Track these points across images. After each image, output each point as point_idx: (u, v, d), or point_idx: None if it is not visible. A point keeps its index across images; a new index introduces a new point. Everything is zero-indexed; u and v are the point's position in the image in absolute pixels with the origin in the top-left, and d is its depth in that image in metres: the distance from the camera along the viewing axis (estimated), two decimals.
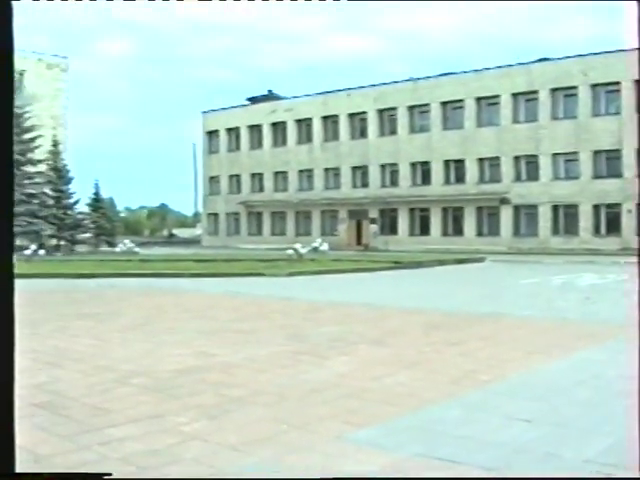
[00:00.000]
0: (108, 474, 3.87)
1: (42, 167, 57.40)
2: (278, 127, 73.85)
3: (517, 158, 59.58)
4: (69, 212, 59.14)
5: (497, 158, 59.97)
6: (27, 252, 42.08)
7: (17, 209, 52.93)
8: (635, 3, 3.55)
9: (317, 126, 70.81)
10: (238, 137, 77.47)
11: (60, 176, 59.25)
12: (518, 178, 59.41)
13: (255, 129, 75.81)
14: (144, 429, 7.24)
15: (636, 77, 43.15)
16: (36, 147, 56.76)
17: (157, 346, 12.53)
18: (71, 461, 6.23)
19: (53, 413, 7.86)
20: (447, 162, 62.29)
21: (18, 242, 50.54)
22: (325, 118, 70.29)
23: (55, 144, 59.94)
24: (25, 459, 6.28)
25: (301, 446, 6.78)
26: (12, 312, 3.31)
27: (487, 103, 61.06)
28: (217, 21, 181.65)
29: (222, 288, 24.57)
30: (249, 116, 76.01)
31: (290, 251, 40.96)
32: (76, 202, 60.72)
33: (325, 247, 46.00)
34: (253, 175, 75.84)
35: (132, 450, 6.57)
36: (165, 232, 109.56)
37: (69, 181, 60.21)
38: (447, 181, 62.52)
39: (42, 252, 45.38)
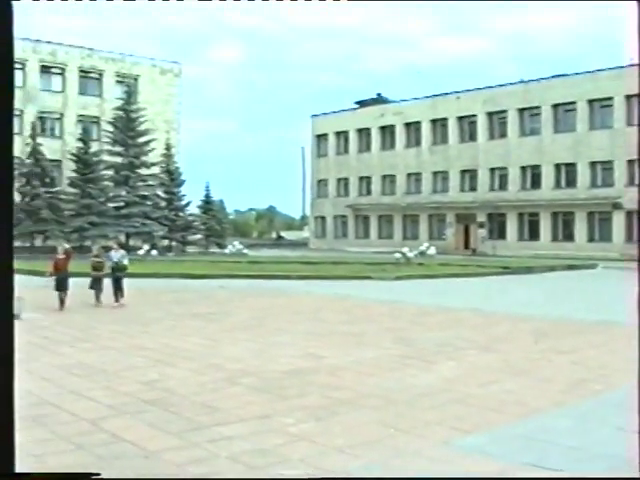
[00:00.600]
0: (96, 474, 3.94)
1: (155, 170, 58.68)
2: (386, 130, 73.64)
3: (631, 162, 57.54)
4: (180, 214, 60.30)
5: (610, 162, 58.21)
6: (140, 252, 43.26)
7: (130, 210, 54.47)
8: (635, 3, 3.50)
9: (426, 129, 70.28)
10: (347, 140, 77.60)
11: (172, 179, 60.51)
12: (631, 182, 57.61)
13: (364, 132, 75.81)
14: (252, 428, 7.34)
15: None
16: (150, 150, 58.08)
17: (266, 347, 12.68)
18: (180, 458, 6.36)
19: (163, 410, 8.04)
20: (558, 166, 60.84)
21: (132, 242, 51.96)
22: (434, 121, 69.72)
23: (168, 147, 61.27)
24: (136, 454, 6.47)
25: (408, 450, 6.76)
26: (12, 312, 3.34)
27: (600, 105, 59.36)
28: (325, 25, 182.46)
29: (330, 290, 24.66)
30: (358, 120, 76.03)
31: (398, 255, 40.81)
32: (187, 204, 61.91)
33: (432, 251, 45.64)
34: (361, 178, 75.83)
35: (240, 449, 6.67)
36: (273, 234, 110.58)
37: (181, 183, 61.43)
38: (557, 185, 61.09)
39: (154, 252, 46.51)
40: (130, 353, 11.79)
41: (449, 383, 9.71)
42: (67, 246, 20.62)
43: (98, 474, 3.85)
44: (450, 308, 19.67)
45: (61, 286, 18.21)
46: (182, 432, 7.13)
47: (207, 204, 64.72)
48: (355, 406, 8.40)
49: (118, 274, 19.31)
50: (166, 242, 58.74)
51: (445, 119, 69.10)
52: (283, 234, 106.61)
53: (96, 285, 19.19)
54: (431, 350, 12.51)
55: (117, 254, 19.75)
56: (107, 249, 20.43)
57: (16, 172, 54.86)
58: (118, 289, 19.12)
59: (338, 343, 13.29)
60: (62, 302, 18.00)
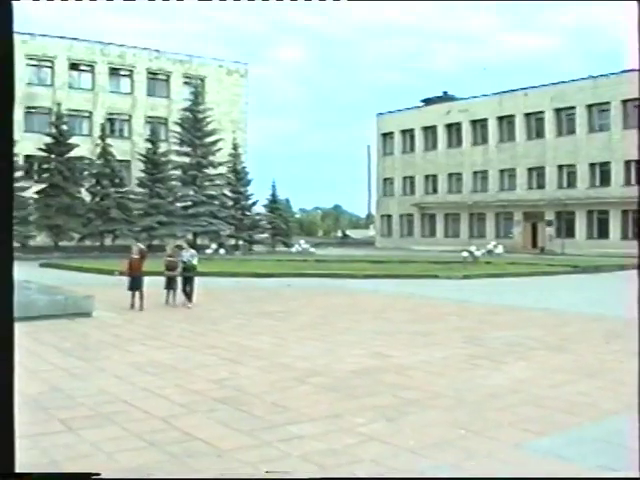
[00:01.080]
0: (97, 474, 3.93)
1: (222, 169, 59.20)
2: (453, 128, 73.11)
3: None
4: (247, 213, 60.76)
5: None
6: (208, 251, 43.68)
7: (198, 210, 55.03)
8: (635, 3, 3.59)
9: (492, 126, 69.58)
10: (412, 138, 77.27)
11: (239, 178, 61.00)
12: None
13: (429, 130, 75.39)
14: (323, 428, 7.33)
15: None
16: (217, 150, 58.61)
17: (334, 346, 12.67)
18: (253, 457, 6.38)
19: (234, 408, 8.08)
20: (628, 162, 59.54)
21: (199, 241, 52.45)
22: (500, 118, 68.95)
23: (235, 147, 61.78)
24: (208, 453, 6.51)
25: (480, 452, 6.67)
26: (12, 313, 3.34)
27: None
28: (389, 23, 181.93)
29: (396, 289, 24.57)
30: (424, 117, 75.64)
31: (465, 253, 40.47)
32: (254, 203, 62.35)
33: (500, 250, 45.12)
34: (427, 177, 75.41)
35: (312, 449, 6.66)
36: (339, 233, 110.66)
37: (248, 183, 61.89)
38: (627, 182, 59.81)
39: (222, 251, 46.94)
40: (200, 351, 11.89)
41: (520, 384, 9.57)
42: (142, 246, 20.57)
43: (98, 474, 3.88)
44: (519, 307, 19.42)
45: (135, 286, 18.10)
46: (254, 431, 7.15)
47: (273, 203, 65.10)
48: (425, 406, 8.33)
49: (187, 274, 19.10)
50: (233, 241, 59.23)
51: (512, 116, 68.25)
52: (349, 233, 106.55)
53: (170, 285, 19.01)
54: (501, 350, 12.36)
55: (187, 254, 19.56)
56: (180, 248, 20.32)
57: (86, 172, 56.05)
58: (188, 289, 18.94)
59: (406, 342, 13.22)
60: (140, 302, 17.85)
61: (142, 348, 12.20)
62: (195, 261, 19.63)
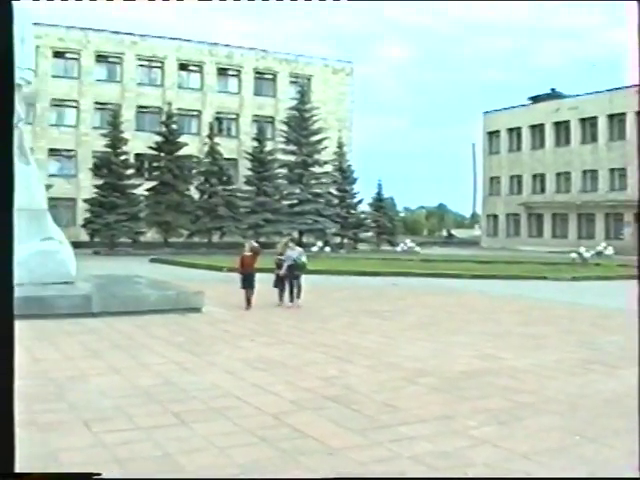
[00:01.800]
0: (98, 474, 3.88)
1: (328, 168, 59.49)
2: (561, 126, 71.49)
3: None
4: (352, 211, 60.89)
5: None
6: (314, 249, 43.95)
7: (304, 208, 55.42)
8: (635, 3, 3.62)
9: (602, 125, 67.74)
10: (519, 137, 75.96)
11: (345, 176, 61.17)
12: None
13: (537, 129, 73.93)
14: (434, 429, 7.25)
15: None
16: (323, 149, 58.95)
17: (443, 346, 12.55)
18: (364, 457, 6.35)
19: (344, 407, 8.07)
20: None
21: (305, 239, 52.78)
22: (611, 116, 67.08)
23: (340, 146, 61.99)
24: (319, 451, 6.51)
25: (596, 460, 6.49)
26: (12, 312, 3.32)
27: None
28: (494, 21, 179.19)
29: (504, 290, 24.20)
30: (531, 116, 74.26)
31: (573, 254, 39.59)
32: (359, 202, 62.42)
33: (610, 251, 43.98)
34: (534, 176, 73.98)
35: (423, 450, 6.59)
36: (443, 232, 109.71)
37: (353, 181, 62.01)
38: None
39: (327, 249, 47.17)
40: (309, 349, 11.94)
41: (636, 390, 9.26)
42: (254, 243, 20.25)
43: (99, 474, 3.88)
44: (633, 311, 18.80)
45: (247, 284, 17.92)
46: (364, 430, 7.12)
47: (378, 202, 65.03)
48: (538, 411, 8.15)
49: (297, 272, 18.70)
50: (338, 239, 59.43)
51: (623, 114, 66.14)
52: (454, 232, 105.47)
53: (280, 283, 18.73)
54: (615, 355, 12.01)
55: (295, 252, 19.20)
56: (290, 247, 19.97)
57: (195, 171, 57.17)
58: (296, 288, 18.61)
59: (516, 345, 12.98)
60: (249, 301, 17.71)
61: (251, 344, 12.33)
62: (304, 259, 19.26)
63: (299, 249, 20.03)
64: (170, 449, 6.39)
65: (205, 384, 9.03)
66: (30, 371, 9.58)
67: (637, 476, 5.62)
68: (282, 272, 18.47)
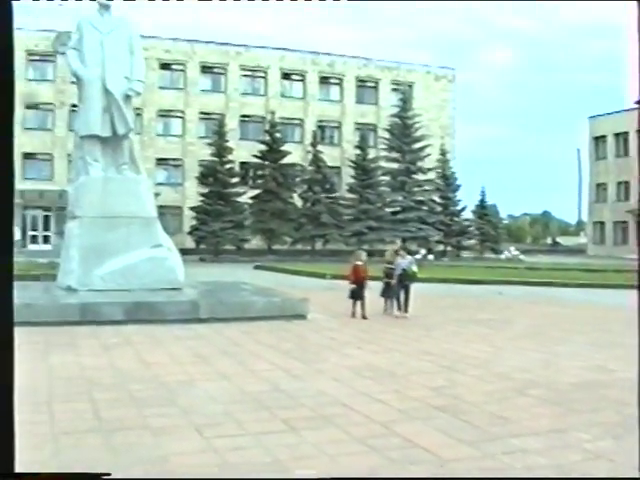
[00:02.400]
0: (107, 474, 3.80)
1: (431, 175, 59.16)
2: None
3: None
4: (456, 219, 60.35)
5: None
6: (417, 257, 43.66)
7: (407, 215, 55.19)
8: (635, 3, 3.66)
9: None
10: (626, 142, 73.96)
11: (448, 184, 60.71)
12: None
13: None
14: (546, 442, 7.08)
15: None
16: (425, 156, 58.66)
17: (551, 356, 12.28)
18: (475, 468, 6.25)
19: (453, 417, 7.97)
20: None
21: (407, 247, 52.50)
22: None
23: (443, 153, 61.58)
24: (429, 461, 6.44)
25: None
26: (12, 315, 3.28)
27: None
28: (597, 23, 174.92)
29: (612, 300, 23.50)
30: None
31: None
32: (462, 209, 61.82)
33: None
34: None
35: (536, 463, 6.45)
36: (548, 240, 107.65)
37: (456, 189, 61.47)
38: None
39: (431, 257, 46.87)
40: (415, 357, 11.86)
41: None
42: (363, 253, 19.63)
43: (108, 474, 3.84)
44: None
45: (359, 294, 17.44)
46: (475, 442, 7.01)
47: (482, 209, 64.26)
48: None
49: (407, 282, 18.11)
50: (441, 247, 59.01)
51: None
52: (558, 240, 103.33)
53: (388, 292, 18.22)
54: None
55: (405, 261, 18.63)
56: (399, 255, 19.40)
57: (298, 179, 57.69)
58: (404, 297, 18.01)
59: (627, 356, 12.55)
60: (362, 310, 17.24)
61: (358, 352, 12.33)
62: (415, 268, 18.65)
63: (409, 258, 19.40)
64: (280, 455, 6.42)
65: (313, 391, 9.06)
66: (142, 376, 9.81)
67: (637, 476, 5.60)
68: (393, 281, 17.96)
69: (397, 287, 18.05)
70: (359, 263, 17.98)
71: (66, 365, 10.50)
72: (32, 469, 5.36)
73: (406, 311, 17.83)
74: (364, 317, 17.08)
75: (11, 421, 3.44)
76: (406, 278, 18.06)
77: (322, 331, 14.78)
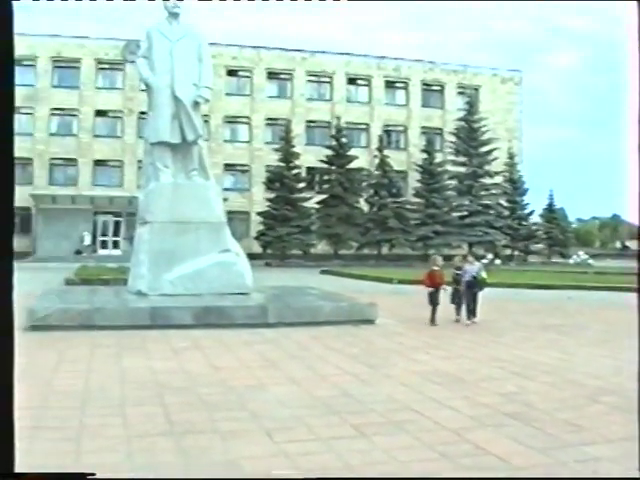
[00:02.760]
0: (92, 474, 3.74)
1: (498, 179, 58.68)
2: None
3: None
4: (523, 223, 59.75)
5: None
6: (484, 261, 43.27)
7: (474, 219, 54.80)
8: (635, 3, 3.65)
9: None
10: None
11: (515, 187, 60.15)
12: None
13: None
14: (621, 451, 6.93)
15: None
16: (492, 160, 58.20)
17: (624, 364, 11.99)
18: (548, 476, 6.17)
19: (525, 424, 7.86)
20: None
21: (474, 251, 52.12)
22: None
23: (510, 156, 61.03)
24: (501, 468, 6.36)
25: None
26: (12, 316, 3.23)
27: None
28: None
29: None
30: None
31: None
32: (530, 213, 61.17)
33: None
34: None
35: (610, 472, 6.34)
36: (617, 244, 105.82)
37: (524, 192, 60.85)
38: None
39: (498, 262, 46.42)
40: (485, 363, 11.74)
41: None
42: (440, 258, 18.97)
43: (93, 474, 3.82)
44: None
45: (436, 300, 17.08)
46: (547, 449, 6.90)
47: (550, 213, 63.55)
48: None
49: (476, 289, 17.63)
50: (508, 251, 58.44)
51: None
52: (628, 244, 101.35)
53: (457, 299, 17.64)
54: None
55: (474, 267, 18.11)
56: (467, 260, 18.90)
57: (364, 183, 57.72)
58: (474, 304, 17.54)
59: None
60: (433, 318, 16.93)
61: (426, 357, 12.26)
62: (484, 274, 18.20)
63: (478, 264, 18.97)
64: (352, 461, 6.41)
65: (382, 396, 9.03)
66: (211, 380, 9.91)
67: (637, 476, 5.54)
68: (461, 287, 17.51)
69: (466, 294, 17.59)
70: (435, 268, 17.57)
71: (137, 368, 10.66)
72: (106, 471, 5.42)
73: (474, 316, 17.44)
74: (433, 323, 16.84)
75: (11, 421, 3.49)
76: (475, 284, 17.63)
77: (390, 336, 14.74)
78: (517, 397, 9.20)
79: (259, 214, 56.64)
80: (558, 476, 6.05)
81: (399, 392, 9.30)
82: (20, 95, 58.87)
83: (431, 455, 6.70)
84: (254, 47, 63.45)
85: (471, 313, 17.56)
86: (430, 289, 17.21)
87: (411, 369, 10.99)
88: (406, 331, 15.70)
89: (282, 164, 56.09)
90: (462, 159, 58.16)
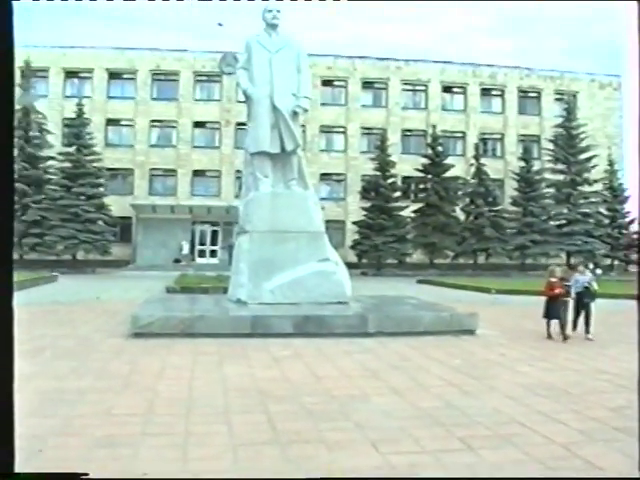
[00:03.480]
0: (85, 474, 3.61)
1: (597, 187, 57.37)
2: None
3: None
4: (624, 231, 58.20)
5: None
6: (598, 272, 42.35)
7: (572, 228, 53.72)
8: (635, 3, 3.76)
9: None
10: None
11: (615, 195, 58.67)
12: None
13: None
14: None
15: None
16: (592, 167, 56.95)
17: None
18: None
19: (637, 439, 7.62)
20: None
21: (572, 260, 50.94)
22: None
23: (610, 163, 59.57)
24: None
25: None
26: (12, 315, 3.17)
27: None
28: None
29: None
30: None
31: None
32: (631, 221, 59.48)
33: None
34: None
35: None
36: None
37: (624, 200, 59.26)
38: None
39: (598, 271, 45.21)
40: (591, 376, 11.45)
41: None
42: (558, 269, 17.82)
43: (86, 474, 3.71)
44: None
45: (555, 313, 16.34)
46: None
47: None
48: None
49: (587, 299, 16.78)
50: (608, 261, 57.03)
51: None
52: None
53: (562, 312, 16.55)
54: None
55: (585, 277, 17.22)
56: (574, 270, 18.16)
57: (460, 192, 57.23)
58: (587, 317, 16.71)
59: None
60: (562, 330, 16.26)
61: (530, 369, 12.03)
62: (596, 285, 17.33)
63: (590, 274, 18.01)
64: (460, 475, 6.33)
65: (487, 409, 8.89)
66: (314, 389, 9.92)
67: (637, 476, 5.56)
68: (569, 299, 16.66)
69: (577, 305, 16.82)
70: (553, 280, 16.70)
71: (240, 376, 10.77)
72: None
73: (588, 332, 16.59)
74: (565, 338, 16.03)
75: (11, 421, 3.52)
76: (587, 295, 16.85)
77: (491, 347, 14.53)
78: (627, 411, 8.92)
79: (354, 223, 56.72)
80: (558, 476, 5.86)
81: (504, 404, 9.14)
82: (121, 108, 60.60)
83: (543, 471, 6.56)
84: (349, 57, 63.69)
85: (587, 326, 16.73)
86: (548, 302, 16.55)
87: (515, 381, 10.79)
88: (507, 342, 15.44)
89: (378, 173, 56.07)
90: (560, 167, 57.13)
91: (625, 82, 70.26)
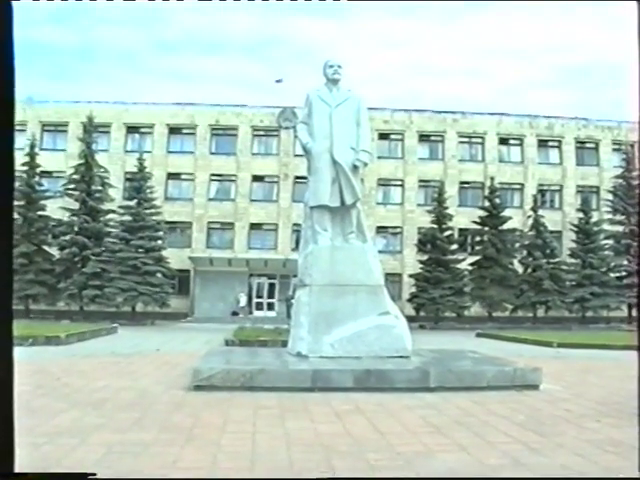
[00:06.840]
0: (92, 474, 3.54)
1: None
2: None
3: None
4: None
5: None
6: None
7: (633, 280, 52.98)
8: (635, 3, 3.64)
9: None
10: None
11: None
12: None
13: None
14: None
15: None
16: None
17: None
18: None
19: None
20: None
21: (634, 313, 50.04)
22: None
23: None
24: None
25: None
26: (11, 314, 3.14)
27: None
28: None
29: None
30: None
31: None
32: None
33: None
34: None
35: None
36: None
37: None
38: None
39: None
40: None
41: None
42: None
43: (94, 474, 3.64)
44: None
45: None
46: None
47: None
48: None
49: None
50: None
51: None
52: None
53: None
54: None
55: None
56: None
57: (518, 244, 56.89)
58: None
59: None
60: None
61: (597, 425, 11.77)
62: None
63: None
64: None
65: (555, 466, 8.71)
66: (378, 444, 9.83)
67: (637, 476, 5.66)
68: None
69: None
70: None
71: (302, 430, 10.71)
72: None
73: None
74: None
75: (11, 421, 3.54)
76: None
77: (556, 402, 14.26)
78: None
79: (411, 276, 56.64)
80: (558, 476, 5.71)
81: (573, 462, 8.94)
82: (181, 162, 61.70)
83: None
84: (405, 110, 64.14)
85: None
86: None
87: (582, 437, 10.56)
88: (572, 397, 15.15)
89: (434, 225, 56.10)
90: (619, 217, 56.64)
91: None
